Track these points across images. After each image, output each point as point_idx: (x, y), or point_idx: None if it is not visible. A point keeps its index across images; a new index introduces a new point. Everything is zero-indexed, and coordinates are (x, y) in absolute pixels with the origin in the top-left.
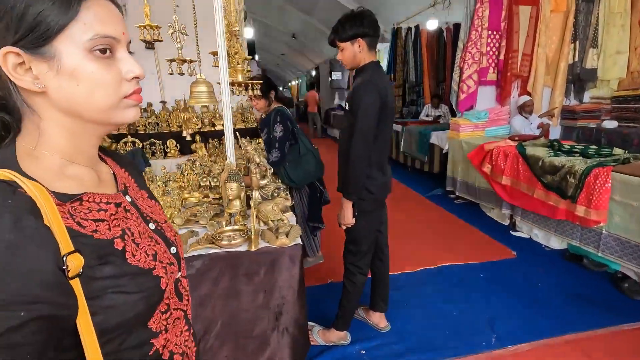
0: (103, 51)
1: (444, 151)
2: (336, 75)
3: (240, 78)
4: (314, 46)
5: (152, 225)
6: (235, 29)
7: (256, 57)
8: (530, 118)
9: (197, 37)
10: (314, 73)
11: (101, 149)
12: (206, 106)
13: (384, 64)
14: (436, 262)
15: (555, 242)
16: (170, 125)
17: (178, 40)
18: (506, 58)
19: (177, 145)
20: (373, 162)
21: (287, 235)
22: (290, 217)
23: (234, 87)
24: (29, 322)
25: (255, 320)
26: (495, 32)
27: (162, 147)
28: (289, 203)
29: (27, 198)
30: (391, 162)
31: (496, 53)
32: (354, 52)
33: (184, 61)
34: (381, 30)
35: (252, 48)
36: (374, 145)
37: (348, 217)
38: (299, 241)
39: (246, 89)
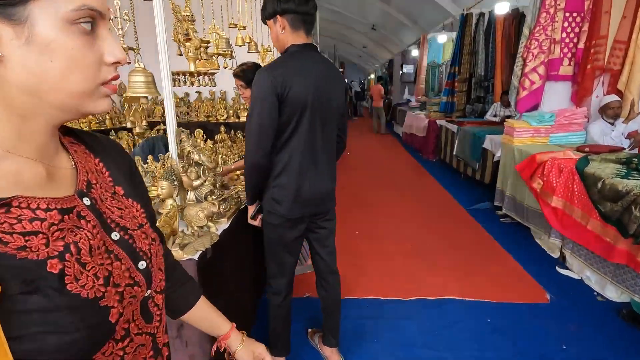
0: (87, 26)
1: (495, 158)
2: (407, 68)
3: (192, 67)
4: (393, 37)
5: (115, 235)
6: (186, 14)
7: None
8: (616, 124)
9: (134, 22)
10: (388, 66)
11: (75, 131)
12: (146, 97)
13: (447, 55)
14: (439, 293)
15: (613, 292)
16: (198, 115)
17: (120, 26)
18: (587, 46)
19: (204, 135)
20: (280, 167)
21: (181, 248)
22: (221, 226)
23: (182, 77)
24: None
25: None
26: (574, 14)
27: (190, 136)
28: (215, 209)
29: None
30: (443, 166)
31: (574, 40)
32: (276, 32)
33: (131, 49)
34: (449, 18)
35: None
36: (278, 145)
37: (248, 217)
38: (196, 256)
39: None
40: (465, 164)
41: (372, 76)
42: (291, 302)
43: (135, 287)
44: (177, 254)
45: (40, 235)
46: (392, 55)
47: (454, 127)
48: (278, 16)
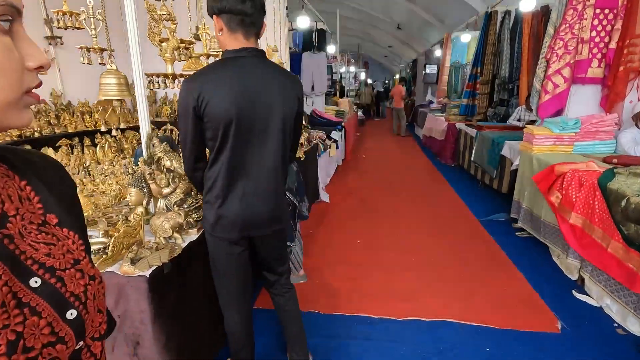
0: (4, 24)
1: (513, 167)
2: (430, 69)
3: (169, 69)
4: (418, 36)
5: (35, 282)
6: (163, 13)
7: (273, 43)
8: None
9: (105, 22)
10: (412, 66)
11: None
12: (120, 100)
13: (469, 56)
14: (437, 314)
15: (636, 325)
16: None
17: (93, 26)
18: (620, 46)
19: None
20: (209, 184)
21: (133, 263)
22: (189, 237)
23: (158, 79)
24: None
25: (114, 341)
26: (606, 11)
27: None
28: (181, 220)
29: None
30: (461, 172)
31: (605, 40)
32: (216, 33)
33: (103, 50)
34: (474, 16)
35: (322, 39)
36: (209, 161)
37: None
38: (147, 273)
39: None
40: (483, 171)
41: (397, 76)
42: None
43: (58, 346)
44: (127, 269)
45: None
46: (417, 55)
47: (473, 132)
48: (215, 16)
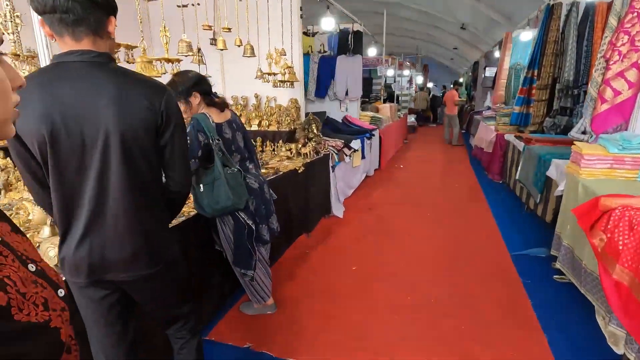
0: None
1: (557, 192)
2: (490, 72)
3: None
4: (484, 36)
5: (31, 267)
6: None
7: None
8: None
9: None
10: (472, 69)
11: None
12: None
13: (525, 56)
14: None
15: None
16: None
17: (12, 30)
18: None
19: None
20: (56, 219)
21: None
22: None
23: None
24: None
25: None
26: None
27: None
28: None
29: None
30: (506, 192)
31: None
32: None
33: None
34: (533, 13)
35: (358, 41)
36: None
37: None
38: None
39: None
40: (529, 193)
41: (461, 80)
42: None
43: (65, 312)
44: None
45: None
46: (479, 57)
47: (520, 145)
48: (40, 19)
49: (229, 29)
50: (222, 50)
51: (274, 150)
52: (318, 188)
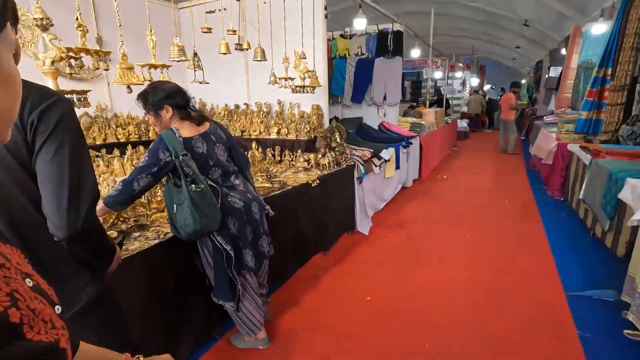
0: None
1: (632, 221)
2: (555, 71)
3: (51, 84)
4: (550, 32)
5: (29, 282)
6: (38, 17)
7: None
8: None
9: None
10: (535, 69)
11: None
12: None
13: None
14: None
15: None
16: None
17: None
18: None
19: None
20: None
21: None
22: None
23: None
24: None
25: None
26: None
27: None
28: None
29: None
30: (567, 212)
31: None
32: None
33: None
34: (608, 1)
35: (398, 42)
36: None
37: None
38: None
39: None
40: (595, 217)
41: (524, 81)
42: None
43: (65, 331)
44: None
45: None
46: (543, 55)
47: (587, 158)
48: None
49: (234, 31)
50: (246, 49)
51: (292, 160)
52: (339, 202)
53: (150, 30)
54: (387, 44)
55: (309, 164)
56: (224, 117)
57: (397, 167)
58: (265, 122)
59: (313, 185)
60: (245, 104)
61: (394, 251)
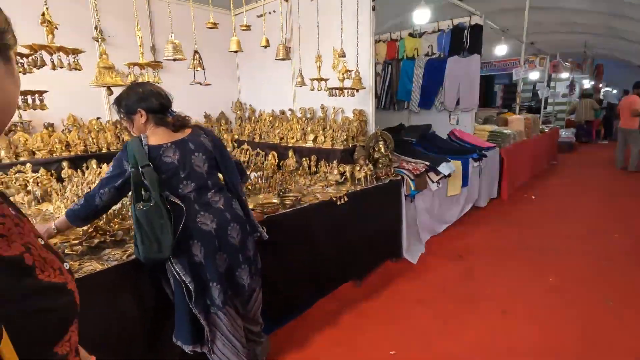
0: (5, 57)
1: None
2: None
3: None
4: None
5: (41, 240)
6: None
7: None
8: None
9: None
10: None
11: None
12: None
13: None
14: None
15: None
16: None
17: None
18: None
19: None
20: None
21: None
22: None
23: None
24: None
25: None
26: None
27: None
28: None
29: None
30: None
31: None
32: None
33: None
34: None
35: (476, 37)
36: None
37: None
38: None
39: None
40: None
41: None
42: None
43: (71, 277)
44: None
45: (5, 237)
46: None
47: None
48: None
49: (248, 26)
50: (265, 46)
51: (327, 172)
52: (380, 222)
53: (137, 26)
54: (463, 41)
55: (342, 177)
56: (269, 123)
57: (465, 184)
58: (304, 129)
59: (339, 203)
60: (290, 109)
61: (444, 290)
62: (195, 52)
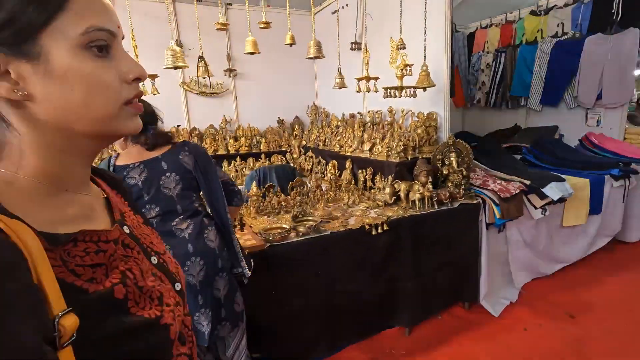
0: (100, 48)
1: None
2: None
3: None
4: None
5: (154, 259)
6: None
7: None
8: None
9: None
10: None
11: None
12: None
13: None
14: None
15: None
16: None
17: None
18: None
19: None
20: None
21: None
22: None
23: None
24: None
25: None
26: None
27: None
28: None
29: (10, 247)
30: None
31: None
32: None
33: None
34: None
35: (633, 4)
36: None
37: None
38: None
39: None
40: None
41: None
42: None
43: (179, 307)
44: None
45: (103, 266)
46: None
47: None
48: None
49: (267, 23)
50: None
51: (383, 188)
52: (447, 256)
53: (132, 37)
54: (612, 11)
55: (392, 197)
56: (334, 128)
57: (596, 211)
58: (362, 136)
59: (374, 232)
60: (358, 112)
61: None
62: (200, 57)
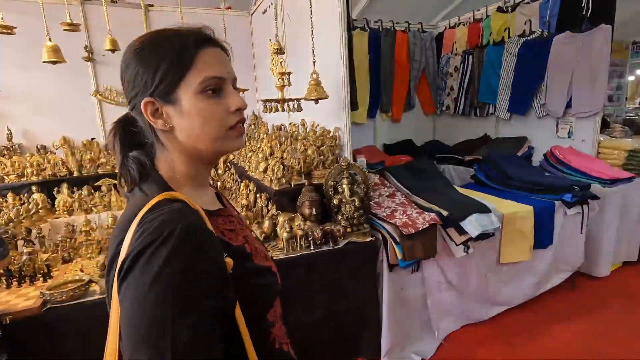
0: (213, 90)
1: None
2: None
3: None
4: None
5: (253, 234)
6: None
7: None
8: None
9: None
10: None
11: None
12: None
13: None
14: None
15: None
16: None
17: None
18: None
19: None
20: None
21: None
22: None
23: None
24: (211, 312)
25: None
26: None
27: None
28: None
29: (200, 216)
30: None
31: None
32: None
33: None
34: None
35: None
36: None
37: None
38: None
39: None
40: None
41: None
42: None
43: (274, 267)
44: None
45: (234, 231)
46: None
47: None
48: None
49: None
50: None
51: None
52: (339, 305)
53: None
54: (582, 6)
55: (272, 232)
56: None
57: (544, 244)
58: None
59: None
60: (283, 124)
61: None
62: None
